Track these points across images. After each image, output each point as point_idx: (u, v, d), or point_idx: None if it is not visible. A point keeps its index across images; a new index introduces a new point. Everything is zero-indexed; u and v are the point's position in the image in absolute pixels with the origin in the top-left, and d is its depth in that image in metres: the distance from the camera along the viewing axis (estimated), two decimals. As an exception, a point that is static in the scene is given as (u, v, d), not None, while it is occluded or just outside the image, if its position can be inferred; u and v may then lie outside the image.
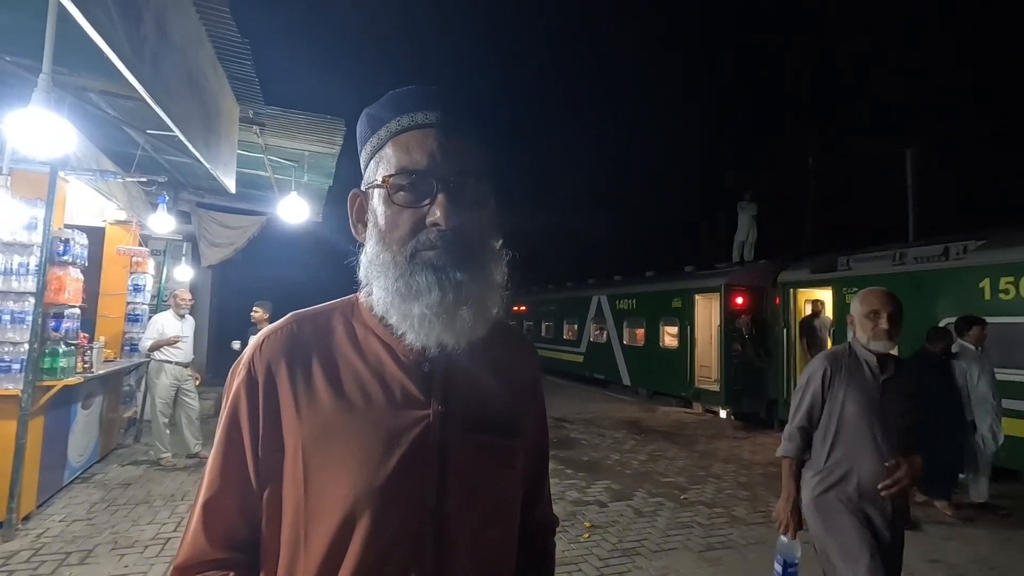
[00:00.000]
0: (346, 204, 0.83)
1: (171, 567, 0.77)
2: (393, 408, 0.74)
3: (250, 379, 0.76)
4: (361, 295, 0.82)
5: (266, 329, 0.81)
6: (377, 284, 0.75)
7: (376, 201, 0.77)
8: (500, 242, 0.78)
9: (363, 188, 0.80)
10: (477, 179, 0.75)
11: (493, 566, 0.77)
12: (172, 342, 5.70)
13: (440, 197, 0.72)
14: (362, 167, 0.81)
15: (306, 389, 0.75)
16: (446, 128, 0.74)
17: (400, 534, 0.70)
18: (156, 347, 5.64)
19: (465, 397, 0.77)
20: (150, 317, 6.27)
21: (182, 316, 5.90)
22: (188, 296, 6.06)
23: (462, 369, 0.77)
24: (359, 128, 0.81)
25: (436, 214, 0.71)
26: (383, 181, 0.74)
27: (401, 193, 0.73)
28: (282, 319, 0.81)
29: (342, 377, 0.76)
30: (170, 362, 5.71)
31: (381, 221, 0.75)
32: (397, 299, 0.73)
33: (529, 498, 0.88)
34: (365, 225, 0.80)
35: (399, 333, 0.75)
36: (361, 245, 0.79)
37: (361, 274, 0.79)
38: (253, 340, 0.81)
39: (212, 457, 0.77)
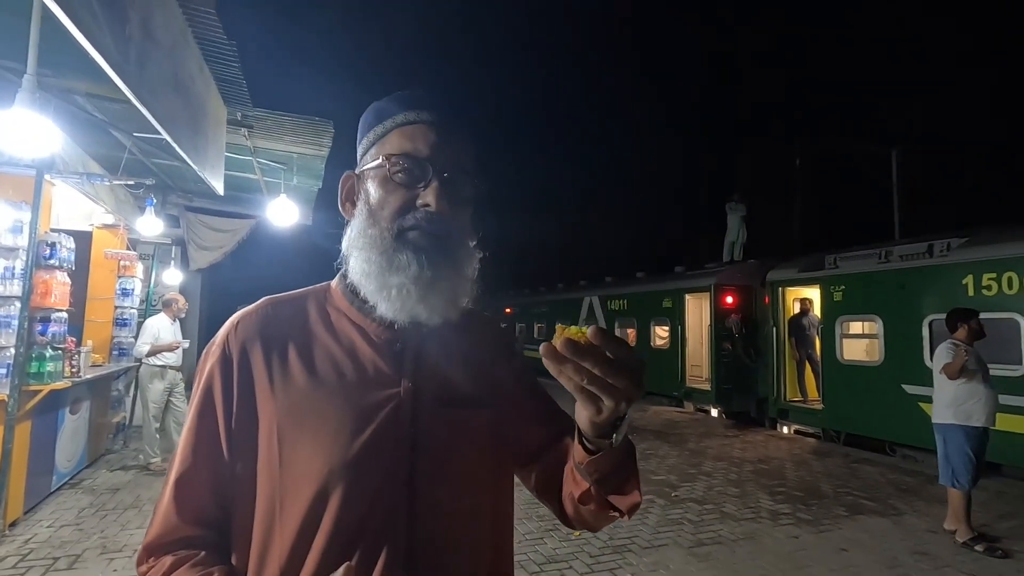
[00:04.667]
0: (336, 207, 0.87)
1: (141, 546, 0.76)
2: (365, 385, 0.77)
3: (224, 358, 0.78)
4: (334, 282, 0.87)
5: (240, 312, 0.83)
6: (358, 257, 0.79)
7: (372, 181, 0.81)
8: (475, 243, 0.83)
9: (358, 171, 0.85)
10: (467, 178, 0.81)
11: (467, 536, 0.78)
12: (174, 347, 5.66)
13: (434, 183, 0.77)
14: (360, 153, 0.85)
15: (280, 367, 0.77)
16: (449, 128, 0.80)
17: (373, 505, 0.72)
18: (155, 352, 5.59)
19: (435, 374, 0.80)
20: (140, 322, 6.23)
21: (174, 321, 5.87)
22: (184, 300, 6.05)
23: (432, 348, 0.81)
24: (364, 118, 0.85)
25: (428, 197, 0.77)
26: (385, 159, 0.79)
27: (400, 173, 0.78)
28: (256, 302, 0.84)
29: (315, 356, 0.79)
30: (165, 366, 5.68)
31: (374, 198, 0.80)
32: (376, 271, 0.77)
33: (551, 432, 0.87)
34: (353, 204, 0.84)
35: (371, 306, 0.78)
36: (347, 222, 0.84)
37: (344, 246, 0.82)
38: (227, 321, 0.82)
39: (184, 434, 0.78)
